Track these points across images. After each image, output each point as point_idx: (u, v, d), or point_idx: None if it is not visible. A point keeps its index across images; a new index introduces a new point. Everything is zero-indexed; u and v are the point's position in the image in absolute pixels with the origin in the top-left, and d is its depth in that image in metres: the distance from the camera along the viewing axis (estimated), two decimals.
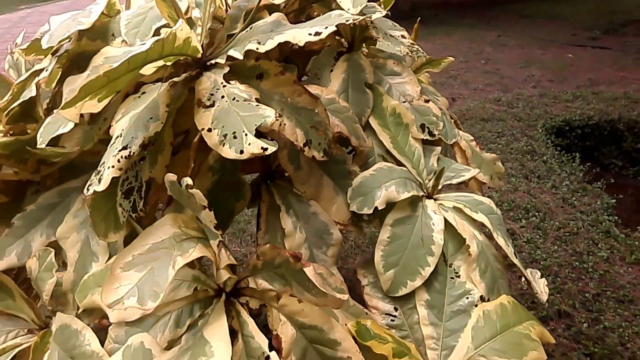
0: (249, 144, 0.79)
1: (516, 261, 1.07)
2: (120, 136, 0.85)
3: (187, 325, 0.90)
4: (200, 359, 0.75)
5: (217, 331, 0.78)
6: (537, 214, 2.43)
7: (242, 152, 0.80)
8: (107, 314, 0.96)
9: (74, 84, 0.96)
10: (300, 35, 0.84)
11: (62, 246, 1.11)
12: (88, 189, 0.82)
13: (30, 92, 1.01)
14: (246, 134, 0.81)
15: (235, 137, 0.81)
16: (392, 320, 1.04)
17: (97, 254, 1.07)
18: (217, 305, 0.86)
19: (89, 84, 0.75)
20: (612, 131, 3.51)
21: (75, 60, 1.10)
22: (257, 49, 0.86)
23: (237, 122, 0.83)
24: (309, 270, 0.78)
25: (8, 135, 1.10)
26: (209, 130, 0.83)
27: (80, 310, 1.05)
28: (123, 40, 1.00)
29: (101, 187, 0.79)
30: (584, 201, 2.52)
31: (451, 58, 1.47)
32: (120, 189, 1.02)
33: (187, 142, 1.00)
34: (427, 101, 1.18)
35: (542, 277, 1.20)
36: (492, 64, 5.92)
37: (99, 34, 1.02)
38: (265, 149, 0.79)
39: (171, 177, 0.78)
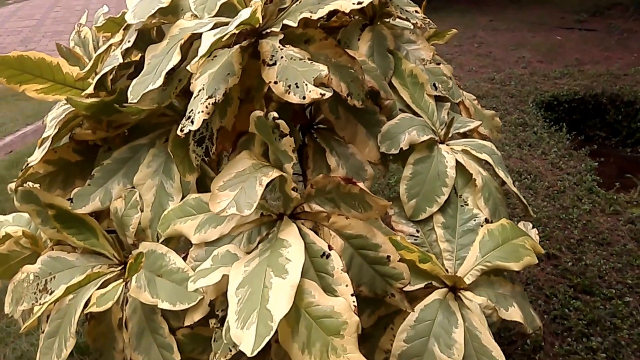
0: (310, 91, 1.05)
1: (514, 189, 1.34)
2: (203, 89, 1.09)
3: (257, 241, 1.16)
4: (280, 250, 1.00)
5: (290, 233, 1.04)
6: (528, 176, 2.72)
7: (304, 97, 1.05)
8: (189, 238, 1.22)
9: (156, 50, 1.20)
10: (345, 4, 1.08)
11: (139, 191, 1.36)
12: (182, 130, 1.06)
13: (117, 59, 1.24)
14: (306, 84, 1.06)
15: (297, 87, 1.06)
16: (415, 240, 1.31)
17: (172, 195, 1.31)
18: (284, 221, 1.11)
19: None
20: (596, 105, 3.81)
21: (143, 33, 1.35)
22: (311, 16, 1.11)
23: (297, 75, 1.08)
24: (360, 185, 1.04)
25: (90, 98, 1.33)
26: (275, 82, 1.08)
27: (160, 240, 1.30)
28: (192, 15, 1.24)
29: (195, 127, 1.03)
30: (570, 164, 2.82)
31: (454, 30, 1.73)
32: (193, 138, 1.27)
33: (249, 97, 1.24)
34: (438, 64, 1.44)
35: (533, 227, 1.47)
36: (485, 47, 6.20)
37: (171, 10, 1.26)
38: (323, 95, 1.04)
39: (258, 112, 1.03)
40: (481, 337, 1.14)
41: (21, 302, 1.38)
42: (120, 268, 1.39)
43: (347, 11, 1.08)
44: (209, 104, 1.05)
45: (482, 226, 1.29)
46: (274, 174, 1.00)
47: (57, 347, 1.32)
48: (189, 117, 1.07)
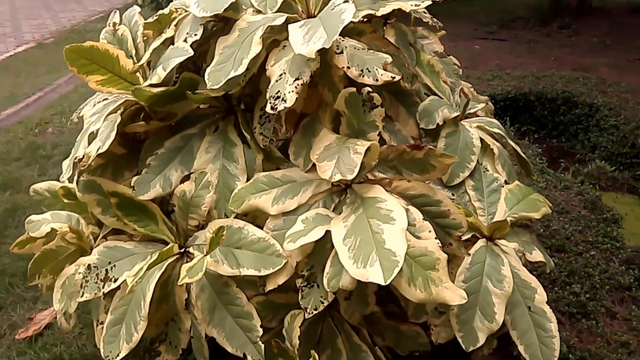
0: (381, 75, 1.28)
1: (524, 156, 1.67)
2: (285, 73, 1.28)
3: (332, 207, 1.36)
4: (376, 205, 1.21)
5: (377, 191, 1.25)
6: None
7: (377, 80, 1.28)
8: (266, 211, 1.38)
9: (227, 42, 1.37)
10: (405, 5, 1.34)
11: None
12: (274, 108, 1.24)
13: (186, 51, 1.38)
14: (377, 69, 1.29)
15: (369, 71, 1.29)
16: (453, 201, 1.57)
17: (238, 175, 1.47)
18: (363, 184, 1.32)
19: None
20: (525, 102, 4.41)
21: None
22: (375, 13, 1.35)
23: (366, 61, 1.31)
24: (425, 148, 1.29)
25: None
26: (348, 67, 1.30)
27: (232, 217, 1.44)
28: (255, 10, 1.42)
29: (288, 104, 1.21)
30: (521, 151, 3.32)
31: (443, 31, 2.05)
32: (259, 121, 1.45)
33: (313, 82, 1.44)
34: (448, 55, 1.74)
35: None
36: None
37: (233, 7, 1.43)
38: (394, 77, 1.28)
39: (350, 89, 1.24)
40: (520, 273, 1.44)
41: (80, 294, 1.44)
42: (178, 252, 1.50)
43: (407, 10, 1.33)
44: (297, 84, 1.24)
45: (502, 187, 1.59)
46: (366, 142, 1.21)
47: (125, 332, 1.41)
48: (277, 97, 1.25)
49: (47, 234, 1.55)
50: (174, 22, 1.51)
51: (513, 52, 6.83)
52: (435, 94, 1.65)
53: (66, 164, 1.56)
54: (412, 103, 1.56)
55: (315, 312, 1.30)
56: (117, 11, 1.69)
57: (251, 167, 1.47)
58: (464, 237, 1.44)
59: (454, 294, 1.15)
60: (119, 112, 1.50)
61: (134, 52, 1.60)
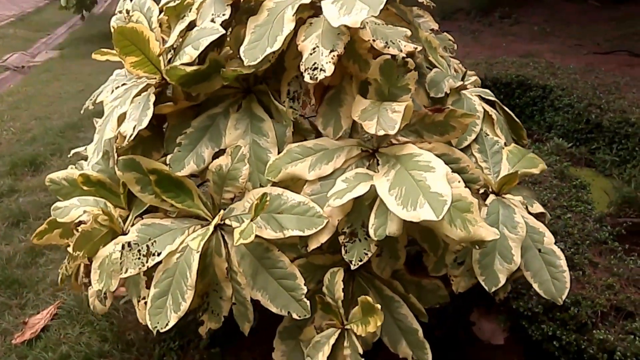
0: (405, 46, 1.48)
1: (518, 121, 1.92)
2: (318, 46, 1.45)
3: (366, 167, 1.55)
4: (413, 159, 1.40)
5: (410, 148, 1.44)
6: None
7: (401, 50, 1.48)
8: (304, 177, 1.55)
9: (258, 21, 1.52)
10: None
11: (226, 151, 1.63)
12: (314, 78, 1.41)
13: (217, 31, 1.52)
14: (399, 41, 1.49)
15: (393, 43, 1.49)
16: None
17: (269, 148, 1.62)
18: (396, 145, 1.51)
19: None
20: (483, 87, 4.80)
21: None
22: None
23: (389, 35, 1.51)
24: (446, 110, 1.50)
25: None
26: (374, 40, 1.49)
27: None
28: None
29: (328, 73, 1.38)
30: None
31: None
32: (288, 95, 1.61)
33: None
34: (443, 32, 1.98)
35: None
36: None
37: None
38: (416, 48, 1.49)
39: (385, 56, 1.43)
40: (528, 221, 1.68)
41: (123, 270, 1.54)
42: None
43: None
44: (333, 55, 1.42)
45: (502, 149, 1.83)
46: (402, 103, 1.41)
47: (172, 303, 1.53)
48: (315, 68, 1.42)
49: (80, 216, 1.62)
50: (194, 7, 1.64)
51: (460, 42, 7.18)
52: (435, 67, 1.88)
53: (92, 149, 1.65)
54: (421, 74, 1.77)
55: (360, 263, 1.47)
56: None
57: (281, 140, 1.62)
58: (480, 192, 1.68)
59: (488, 231, 1.37)
60: (147, 93, 1.61)
61: (152, 37, 1.71)
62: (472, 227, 1.36)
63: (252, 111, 1.67)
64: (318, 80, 1.40)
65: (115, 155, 1.57)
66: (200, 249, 1.51)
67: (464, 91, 1.91)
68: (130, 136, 1.50)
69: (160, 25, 1.76)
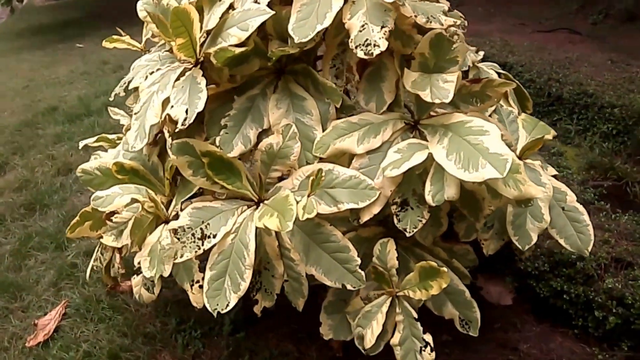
0: (445, 20, 1.58)
1: (526, 93, 2.07)
2: (367, 24, 1.51)
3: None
4: (465, 125, 1.50)
5: (458, 116, 1.54)
6: None
7: (442, 24, 1.57)
8: (353, 152, 1.61)
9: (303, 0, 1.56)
10: None
11: (276, 129, 1.67)
12: (369, 53, 1.47)
13: (265, 11, 1.53)
14: (439, 16, 1.58)
15: (434, 18, 1.57)
16: None
17: (314, 125, 1.66)
18: (447, 113, 1.60)
19: None
20: None
21: None
22: None
23: (427, 10, 1.59)
24: (483, 81, 1.61)
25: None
26: (416, 16, 1.57)
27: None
28: None
29: (382, 48, 1.45)
30: None
31: None
32: (330, 72, 1.67)
33: None
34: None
35: None
36: None
37: None
38: (455, 22, 1.58)
39: (437, 30, 1.51)
40: (551, 181, 1.83)
41: (179, 255, 1.55)
42: (256, 206, 1.67)
43: None
44: (385, 31, 1.49)
45: (517, 118, 1.98)
46: (454, 73, 1.50)
47: (230, 284, 1.57)
48: (368, 44, 1.48)
49: (128, 203, 1.61)
50: None
51: None
52: None
53: (133, 136, 1.63)
54: None
55: (415, 230, 1.56)
56: None
57: (325, 117, 1.68)
58: None
59: (537, 189, 1.50)
60: (190, 75, 1.61)
61: (196, 19, 1.71)
62: (523, 186, 1.49)
63: (291, 91, 1.71)
64: (374, 55, 1.47)
65: (170, 139, 1.56)
66: (254, 229, 1.55)
67: (480, 64, 2.03)
68: (185, 120, 1.50)
69: None
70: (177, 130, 1.57)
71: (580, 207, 1.81)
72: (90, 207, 1.81)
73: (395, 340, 1.69)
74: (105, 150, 2.12)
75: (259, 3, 1.58)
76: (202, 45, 1.66)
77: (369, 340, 1.68)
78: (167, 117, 1.59)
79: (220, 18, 1.60)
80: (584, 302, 2.17)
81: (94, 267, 1.88)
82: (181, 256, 1.56)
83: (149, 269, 1.61)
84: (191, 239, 1.57)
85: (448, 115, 1.59)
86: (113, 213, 1.76)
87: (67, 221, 3.08)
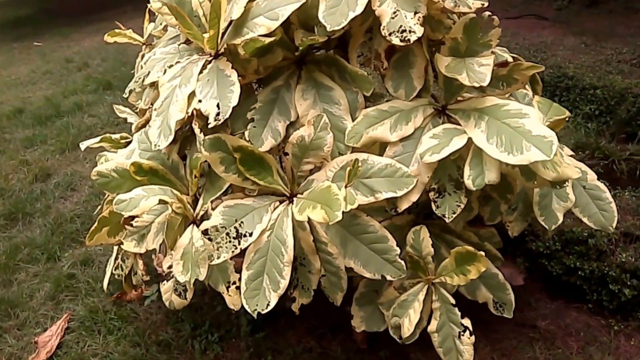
0: (472, 3, 1.58)
1: (538, 77, 2.11)
2: (398, 10, 1.49)
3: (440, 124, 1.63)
4: (502, 109, 1.51)
5: (492, 100, 1.55)
6: None
7: (470, 7, 1.57)
8: (386, 140, 1.60)
9: None
10: None
11: (304, 120, 1.63)
12: (405, 40, 1.45)
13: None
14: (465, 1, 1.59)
15: (461, 1, 1.57)
16: None
17: (342, 116, 1.64)
18: (479, 98, 1.61)
19: None
20: None
21: None
22: None
23: None
24: (509, 65, 1.62)
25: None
26: (443, 0, 1.57)
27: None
28: None
29: (419, 34, 1.44)
30: None
31: None
32: (358, 61, 1.65)
33: None
34: None
35: None
36: None
37: None
38: (483, 4, 1.59)
39: (471, 15, 1.51)
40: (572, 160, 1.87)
41: (215, 256, 1.51)
42: (288, 201, 1.64)
43: None
44: (419, 17, 1.48)
45: (532, 100, 2.01)
46: (489, 57, 1.51)
47: (269, 283, 1.53)
48: (403, 31, 1.47)
49: (155, 205, 1.54)
50: None
51: None
52: None
53: (155, 133, 1.57)
54: None
55: (454, 216, 1.56)
56: None
57: (353, 106, 1.66)
58: None
59: (573, 170, 1.53)
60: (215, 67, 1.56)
61: (200, 11, 1.65)
62: (559, 167, 1.51)
63: (316, 80, 1.67)
64: (411, 42, 1.45)
65: (201, 135, 1.51)
66: (290, 225, 1.53)
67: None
68: (218, 115, 1.45)
69: None
70: (210, 125, 1.51)
71: (602, 185, 1.86)
72: (108, 212, 1.73)
73: (432, 327, 1.69)
74: (107, 152, 2.03)
75: None
76: (222, 36, 1.62)
77: (407, 329, 1.68)
78: (194, 112, 1.53)
79: (244, 7, 1.56)
80: (598, 277, 2.23)
81: (116, 276, 1.80)
82: (218, 257, 1.51)
83: (183, 273, 1.55)
84: (226, 238, 1.53)
85: (479, 99, 1.60)
86: (132, 217, 1.68)
87: (55, 229, 2.96)
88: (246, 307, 1.52)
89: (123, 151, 1.85)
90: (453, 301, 1.68)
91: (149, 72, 1.68)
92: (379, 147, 1.65)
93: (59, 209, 3.17)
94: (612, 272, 2.19)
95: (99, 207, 2.01)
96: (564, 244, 2.35)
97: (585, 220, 1.84)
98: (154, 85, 1.71)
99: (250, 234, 1.53)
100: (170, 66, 1.65)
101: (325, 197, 1.40)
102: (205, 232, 1.53)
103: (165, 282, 1.65)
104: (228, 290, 1.60)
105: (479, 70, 1.51)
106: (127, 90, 1.91)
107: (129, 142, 2.07)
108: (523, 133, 1.42)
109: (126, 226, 1.71)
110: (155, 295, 2.33)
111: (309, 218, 1.48)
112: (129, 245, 1.70)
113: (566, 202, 1.78)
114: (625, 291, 2.15)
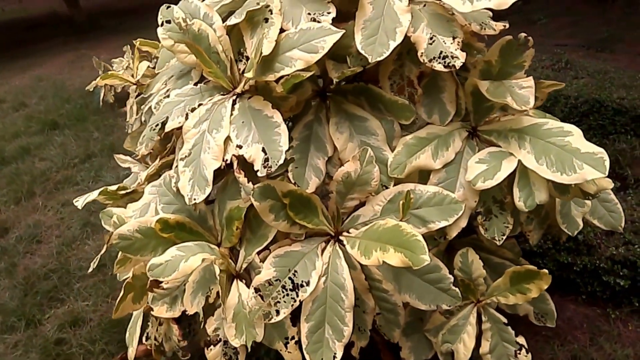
0: (495, 25, 1.47)
1: None
2: (435, 36, 1.35)
3: (476, 149, 1.51)
4: (542, 128, 1.41)
5: (523, 122, 1.46)
6: None
7: (495, 30, 1.47)
8: (430, 167, 1.46)
9: (365, 15, 1.35)
10: None
11: (343, 155, 1.45)
12: (449, 65, 1.31)
13: (333, 30, 1.30)
14: (489, 22, 1.48)
15: (486, 24, 1.46)
16: None
17: (381, 146, 1.47)
18: (482, 127, 1.51)
19: None
20: None
21: None
22: None
23: (476, 17, 1.47)
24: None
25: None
26: (469, 24, 1.45)
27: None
28: None
29: (462, 59, 1.31)
30: None
31: None
32: (391, 89, 1.49)
33: None
34: None
35: None
36: None
37: None
38: (505, 26, 1.49)
39: (508, 37, 1.39)
40: None
41: (274, 313, 1.29)
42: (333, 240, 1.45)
43: None
44: (458, 42, 1.35)
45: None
46: (527, 79, 1.41)
47: (332, 332, 1.35)
48: (445, 57, 1.33)
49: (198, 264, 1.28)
50: (275, 10, 1.39)
51: None
52: None
53: (187, 186, 1.31)
54: None
55: (504, 238, 1.45)
56: (171, 6, 1.45)
57: (390, 136, 1.49)
58: None
59: (607, 181, 1.47)
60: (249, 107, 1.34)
61: (219, 47, 1.41)
62: (598, 181, 1.44)
63: (347, 112, 1.49)
64: (457, 67, 1.32)
65: (250, 185, 1.27)
66: (346, 267, 1.34)
67: None
68: (266, 160, 1.23)
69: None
70: (260, 174, 1.27)
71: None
72: (131, 278, 1.44)
73: (484, 348, 1.57)
74: (105, 207, 1.72)
75: (318, 22, 1.35)
76: (242, 72, 1.40)
77: (463, 355, 1.55)
78: (232, 159, 1.30)
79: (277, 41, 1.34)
80: (591, 270, 2.23)
81: (148, 346, 1.49)
82: (277, 314, 1.29)
83: (237, 337, 1.31)
84: (283, 292, 1.31)
85: (514, 119, 1.50)
86: (157, 282, 1.41)
87: (28, 290, 2.52)
88: None
89: (134, 206, 1.56)
90: (505, 320, 1.57)
91: (167, 118, 1.41)
92: (418, 175, 1.51)
93: (27, 265, 2.71)
94: (604, 265, 2.19)
95: (94, 261, 1.67)
96: (555, 241, 2.33)
97: (595, 222, 1.80)
98: (156, 128, 1.45)
99: (308, 283, 1.32)
100: (193, 109, 1.40)
101: (398, 237, 1.23)
102: (257, 290, 1.30)
103: (212, 347, 1.39)
104: (287, 347, 1.37)
105: (521, 93, 1.41)
106: (138, 146, 1.60)
107: (128, 193, 1.77)
108: (571, 151, 1.33)
109: (154, 290, 1.43)
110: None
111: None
112: (161, 311, 1.42)
113: (583, 208, 1.73)
114: (619, 282, 2.16)
